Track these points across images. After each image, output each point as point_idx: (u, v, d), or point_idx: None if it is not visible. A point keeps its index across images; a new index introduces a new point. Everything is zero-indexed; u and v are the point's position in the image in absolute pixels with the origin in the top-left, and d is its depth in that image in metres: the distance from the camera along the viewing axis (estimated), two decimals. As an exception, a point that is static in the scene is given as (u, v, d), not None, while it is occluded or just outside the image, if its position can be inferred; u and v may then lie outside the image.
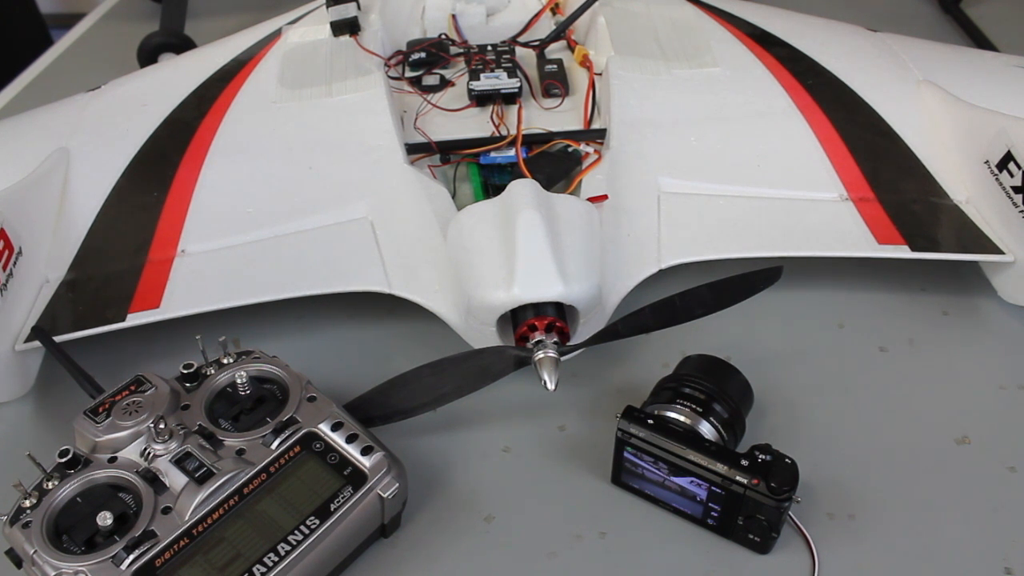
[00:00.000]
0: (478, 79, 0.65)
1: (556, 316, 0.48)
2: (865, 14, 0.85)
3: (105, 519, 0.39)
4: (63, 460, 0.42)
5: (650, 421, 0.44)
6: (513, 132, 0.62)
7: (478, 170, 0.61)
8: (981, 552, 0.45)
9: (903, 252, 0.56)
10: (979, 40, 0.90)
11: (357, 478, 0.43)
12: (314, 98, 0.65)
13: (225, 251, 0.57)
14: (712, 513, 0.44)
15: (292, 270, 0.56)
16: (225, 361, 0.47)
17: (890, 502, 0.47)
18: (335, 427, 0.44)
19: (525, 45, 0.73)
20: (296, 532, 0.41)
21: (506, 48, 0.70)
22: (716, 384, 0.47)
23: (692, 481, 0.44)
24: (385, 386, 0.48)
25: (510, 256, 0.48)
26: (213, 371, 0.47)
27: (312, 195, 0.60)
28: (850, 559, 0.45)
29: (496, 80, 0.65)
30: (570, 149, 0.62)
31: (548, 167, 0.60)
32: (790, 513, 0.44)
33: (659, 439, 0.43)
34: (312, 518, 0.41)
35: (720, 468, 0.42)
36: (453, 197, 0.58)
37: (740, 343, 0.55)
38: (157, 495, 0.41)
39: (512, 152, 0.61)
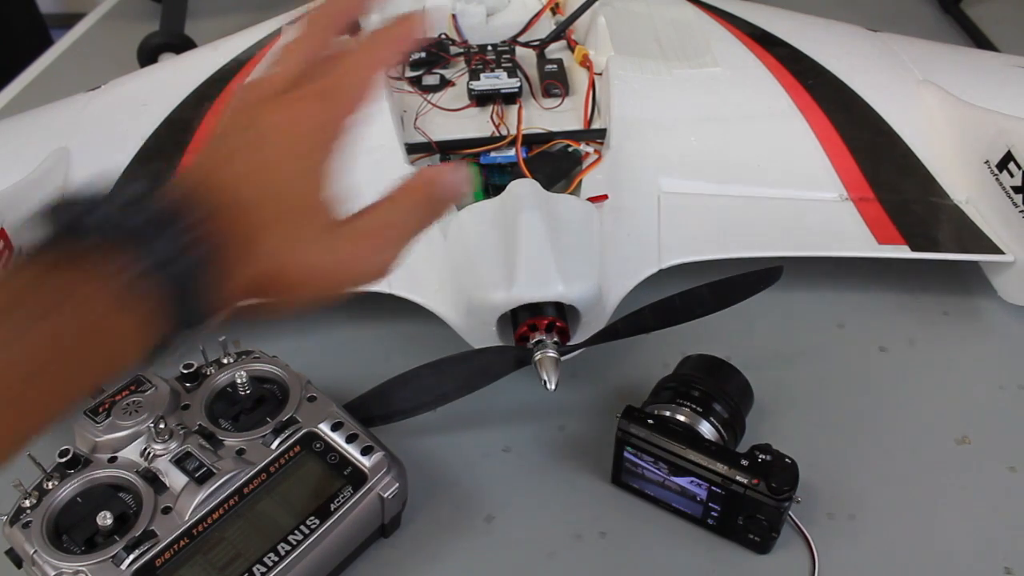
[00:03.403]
0: (478, 79, 0.65)
1: (556, 316, 0.48)
2: (865, 14, 0.85)
3: (105, 519, 0.39)
4: (63, 460, 0.42)
5: (650, 421, 0.44)
6: (513, 132, 0.62)
7: (478, 170, 0.61)
8: (981, 552, 0.45)
9: (903, 252, 0.56)
10: (979, 40, 0.90)
11: (357, 478, 0.43)
12: (314, 98, 0.65)
13: (225, 251, 0.57)
14: (712, 513, 0.44)
15: (292, 270, 0.56)
16: (225, 361, 0.47)
17: (890, 502, 0.47)
18: (335, 427, 0.44)
19: (525, 45, 0.73)
20: (296, 532, 0.41)
21: (506, 48, 0.70)
22: (716, 384, 0.47)
23: (692, 481, 0.44)
24: (385, 386, 0.48)
25: (510, 256, 0.48)
26: (213, 371, 0.47)
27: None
28: (850, 559, 0.45)
29: (496, 80, 0.65)
30: (570, 149, 0.62)
31: (548, 167, 0.60)
32: (790, 513, 0.44)
33: (659, 439, 0.43)
34: (312, 518, 0.41)
35: (720, 468, 0.42)
36: (453, 197, 0.58)
37: (740, 343, 0.55)
38: (157, 495, 0.41)
39: (512, 152, 0.61)
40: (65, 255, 0.25)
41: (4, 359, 0.23)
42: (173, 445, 0.42)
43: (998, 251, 0.57)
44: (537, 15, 0.75)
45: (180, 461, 0.42)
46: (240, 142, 0.29)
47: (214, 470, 0.41)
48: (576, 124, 0.64)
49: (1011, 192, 0.57)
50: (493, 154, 0.61)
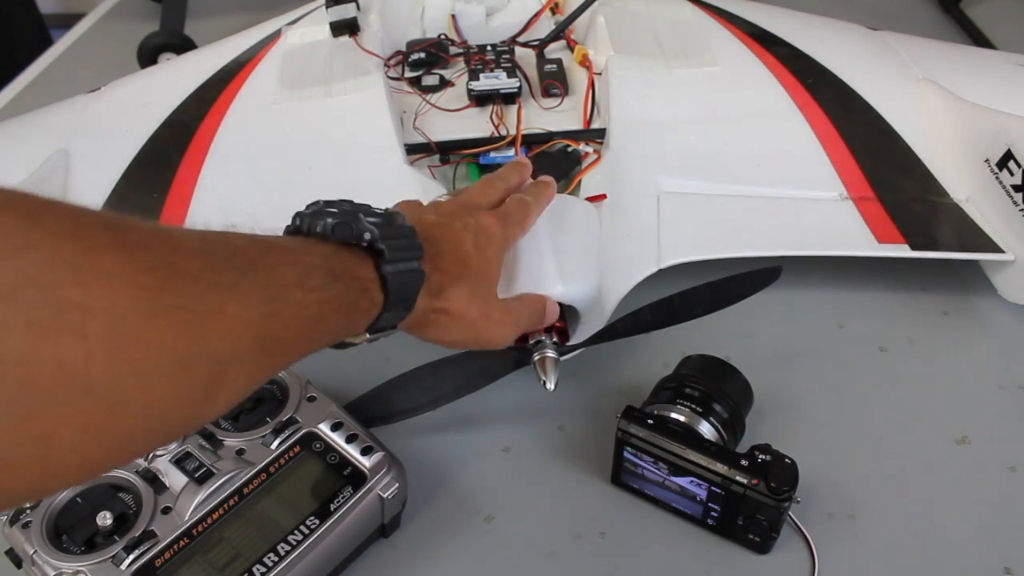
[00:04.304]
0: (477, 79, 0.65)
1: (555, 316, 0.48)
2: (865, 13, 0.85)
3: (105, 519, 0.39)
4: (63, 460, 0.42)
5: (650, 421, 0.44)
6: (512, 132, 0.62)
7: (478, 170, 0.61)
8: (981, 552, 0.45)
9: (903, 251, 0.56)
10: (978, 40, 0.90)
11: (357, 478, 0.43)
12: (314, 99, 0.65)
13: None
14: (712, 513, 0.44)
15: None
16: (225, 361, 0.47)
17: (890, 502, 0.47)
18: (335, 427, 0.44)
19: (525, 45, 0.73)
20: (296, 532, 0.41)
21: (505, 48, 0.70)
22: (716, 384, 0.47)
23: (692, 481, 0.44)
24: (385, 386, 0.48)
25: (509, 256, 0.48)
26: (213, 371, 0.47)
27: (312, 196, 0.59)
28: (850, 559, 0.45)
29: (495, 80, 0.65)
30: (569, 149, 0.62)
31: (548, 167, 0.60)
32: (790, 513, 0.44)
33: (659, 439, 0.43)
34: (312, 518, 0.41)
35: (720, 468, 0.42)
36: (453, 197, 0.58)
37: (740, 343, 0.55)
38: (157, 495, 0.41)
39: (512, 152, 0.61)
40: (349, 244, 0.34)
41: (294, 313, 0.30)
42: (173, 445, 0.42)
43: (998, 250, 0.57)
44: (536, 15, 0.75)
45: (180, 461, 0.42)
46: (467, 224, 0.42)
47: (214, 470, 0.42)
48: (576, 124, 0.64)
49: (1011, 191, 0.57)
50: (492, 154, 0.61)
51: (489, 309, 0.42)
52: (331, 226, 0.34)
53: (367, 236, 0.34)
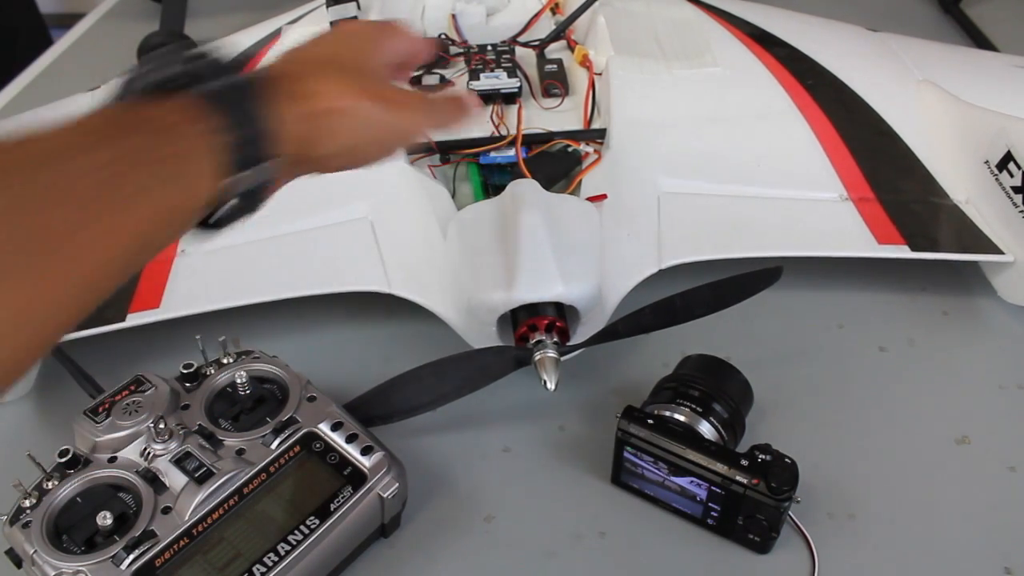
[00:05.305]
0: (478, 79, 0.65)
1: (556, 316, 0.48)
2: (865, 14, 0.85)
3: (105, 519, 0.39)
4: (63, 460, 0.42)
5: (650, 421, 0.44)
6: (513, 132, 0.62)
7: (478, 170, 0.61)
8: (981, 552, 0.45)
9: (903, 252, 0.56)
10: (979, 40, 0.90)
11: (357, 478, 0.43)
12: (314, 98, 0.65)
13: (225, 251, 0.57)
14: (712, 513, 0.44)
15: (292, 270, 0.56)
16: (225, 361, 0.47)
17: (890, 502, 0.47)
18: (335, 427, 0.44)
19: (525, 45, 0.73)
20: (296, 532, 0.41)
21: (506, 48, 0.70)
22: (716, 384, 0.47)
23: (692, 481, 0.44)
24: (385, 386, 0.48)
25: (510, 256, 0.48)
26: (213, 371, 0.47)
27: (312, 195, 0.59)
28: (850, 559, 0.45)
29: (496, 80, 0.65)
30: (570, 149, 0.62)
31: (548, 167, 0.60)
32: (790, 513, 0.44)
33: (659, 439, 0.43)
34: (312, 518, 0.41)
35: (720, 468, 0.42)
36: (453, 197, 0.58)
37: (740, 343, 0.55)
38: (157, 495, 0.41)
39: (512, 152, 0.61)
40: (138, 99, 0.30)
41: (84, 167, 0.26)
42: (173, 445, 0.42)
43: (998, 251, 0.57)
44: (537, 15, 0.76)
45: (180, 461, 0.42)
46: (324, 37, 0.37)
47: (214, 470, 0.41)
48: (576, 124, 0.64)
49: (1011, 192, 0.57)
50: (493, 154, 0.61)
51: (375, 87, 0.35)
52: (118, 94, 0.30)
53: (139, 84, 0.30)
